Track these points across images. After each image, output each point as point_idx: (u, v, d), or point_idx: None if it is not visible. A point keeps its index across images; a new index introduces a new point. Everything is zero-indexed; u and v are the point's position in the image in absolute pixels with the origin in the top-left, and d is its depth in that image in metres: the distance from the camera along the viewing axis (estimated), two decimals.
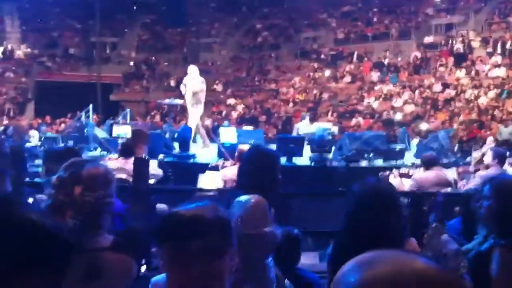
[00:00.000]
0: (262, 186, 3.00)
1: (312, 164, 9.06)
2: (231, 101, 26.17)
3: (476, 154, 11.62)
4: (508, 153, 8.45)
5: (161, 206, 5.13)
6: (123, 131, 8.18)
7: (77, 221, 2.11)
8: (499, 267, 2.89)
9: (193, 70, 12.52)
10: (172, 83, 26.80)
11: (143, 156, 2.93)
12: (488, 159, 7.03)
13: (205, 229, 1.49)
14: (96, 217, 2.19)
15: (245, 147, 7.15)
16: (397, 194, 3.02)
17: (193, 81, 12.29)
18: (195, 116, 12.26)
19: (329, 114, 22.76)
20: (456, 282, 0.81)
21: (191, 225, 1.49)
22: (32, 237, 1.16)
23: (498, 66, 21.35)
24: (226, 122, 18.94)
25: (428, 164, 6.82)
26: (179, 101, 18.12)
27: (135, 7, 32.77)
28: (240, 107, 25.20)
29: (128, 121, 13.68)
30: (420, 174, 6.95)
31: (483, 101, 19.86)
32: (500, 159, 6.82)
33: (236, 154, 7.27)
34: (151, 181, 6.68)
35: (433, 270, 0.80)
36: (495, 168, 6.71)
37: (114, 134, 8.73)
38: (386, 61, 25.17)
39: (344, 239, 2.87)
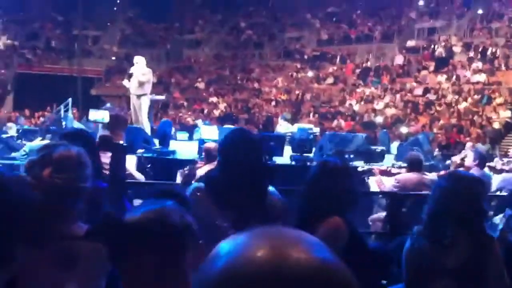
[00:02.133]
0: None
1: (293, 163, 9.02)
2: (213, 99, 26.07)
3: (455, 158, 11.69)
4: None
5: (138, 202, 5.04)
6: (100, 116, 7.99)
7: (43, 204, 2.03)
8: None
9: (139, 60, 12.42)
10: (154, 79, 26.59)
11: (121, 143, 2.85)
12: (469, 160, 7.03)
13: (149, 241, 1.42)
14: (67, 202, 2.11)
15: (211, 145, 6.91)
16: (347, 169, 3.22)
17: (140, 71, 12.10)
18: (144, 108, 12.07)
19: (311, 115, 22.79)
20: (342, 282, 0.67)
21: (135, 238, 1.42)
22: None
23: (478, 71, 21.56)
24: (201, 121, 18.82)
25: (413, 165, 6.69)
26: (159, 97, 17.98)
27: (118, 1, 32.48)
28: (222, 106, 25.11)
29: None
30: (403, 174, 6.87)
31: (463, 106, 20.04)
32: (480, 160, 6.82)
33: (203, 153, 7.06)
34: None
35: (315, 263, 0.66)
36: (475, 169, 6.71)
37: (91, 119, 8.54)
38: (368, 64, 25.28)
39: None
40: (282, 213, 3.03)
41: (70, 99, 13.99)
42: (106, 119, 7.11)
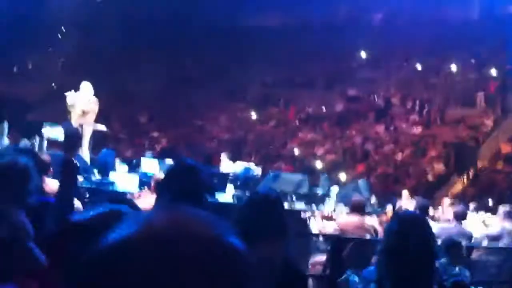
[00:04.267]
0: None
1: (235, 201, 8.97)
2: (155, 133, 25.79)
3: (390, 208, 11.98)
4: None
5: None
6: (55, 133, 7.67)
7: None
8: None
9: (86, 86, 11.79)
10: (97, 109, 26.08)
11: (74, 161, 2.71)
12: (410, 210, 7.20)
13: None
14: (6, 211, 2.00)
15: (161, 175, 6.93)
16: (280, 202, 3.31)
17: (85, 99, 11.55)
18: (85, 138, 11.48)
19: (252, 156, 22.87)
20: (234, 264, 0.66)
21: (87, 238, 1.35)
22: None
23: (415, 124, 22.38)
24: (148, 153, 18.52)
25: (355, 208, 6.80)
26: (101, 128, 17.55)
27: (63, 28, 31.94)
28: (163, 140, 24.86)
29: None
30: (343, 218, 6.97)
31: (399, 156, 20.66)
32: (421, 209, 7.01)
33: (152, 183, 7.35)
34: None
35: (213, 240, 0.65)
36: None
37: (46, 137, 8.22)
38: (310, 109, 25.78)
39: None
40: None
41: (6, 123, 13.44)
42: (61, 136, 6.85)
